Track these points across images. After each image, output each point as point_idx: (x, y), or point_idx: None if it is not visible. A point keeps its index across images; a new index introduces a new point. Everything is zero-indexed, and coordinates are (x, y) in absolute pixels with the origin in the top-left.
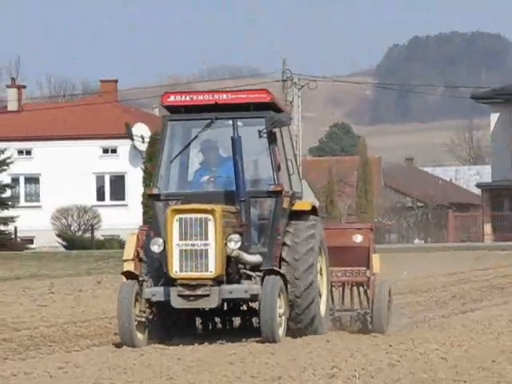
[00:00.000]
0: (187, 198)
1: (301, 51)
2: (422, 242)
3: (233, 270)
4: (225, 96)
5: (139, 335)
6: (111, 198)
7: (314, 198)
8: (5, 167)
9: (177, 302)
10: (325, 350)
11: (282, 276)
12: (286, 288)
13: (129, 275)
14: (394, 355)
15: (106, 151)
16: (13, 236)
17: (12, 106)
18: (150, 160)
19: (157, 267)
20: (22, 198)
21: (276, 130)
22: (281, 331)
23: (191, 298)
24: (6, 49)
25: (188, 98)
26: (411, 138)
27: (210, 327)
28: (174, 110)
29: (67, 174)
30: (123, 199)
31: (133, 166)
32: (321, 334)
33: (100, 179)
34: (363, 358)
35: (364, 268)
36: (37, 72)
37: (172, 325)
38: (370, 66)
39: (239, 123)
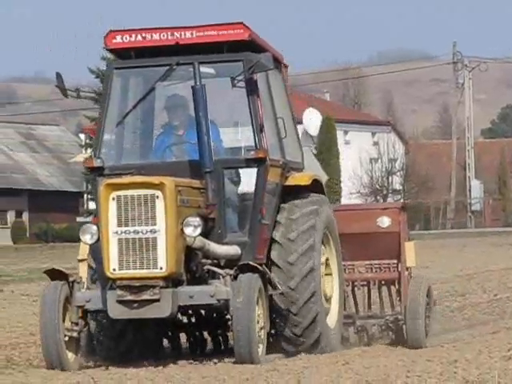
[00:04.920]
0: (141, 170)
1: (472, 33)
2: None
3: (197, 265)
4: (188, 34)
5: (70, 355)
6: None
7: (321, 170)
8: None
9: (115, 311)
10: (501, 331)
11: (261, 273)
12: (266, 289)
13: (54, 275)
14: None
15: None
16: None
17: None
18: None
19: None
20: None
21: (259, 77)
22: (260, 349)
23: (134, 305)
24: None
25: (139, 38)
26: None
27: (196, 344)
28: (121, 54)
29: None
30: None
31: None
32: (331, 351)
33: None
34: None
35: (394, 261)
36: None
37: (133, 342)
38: None
39: (210, 69)
